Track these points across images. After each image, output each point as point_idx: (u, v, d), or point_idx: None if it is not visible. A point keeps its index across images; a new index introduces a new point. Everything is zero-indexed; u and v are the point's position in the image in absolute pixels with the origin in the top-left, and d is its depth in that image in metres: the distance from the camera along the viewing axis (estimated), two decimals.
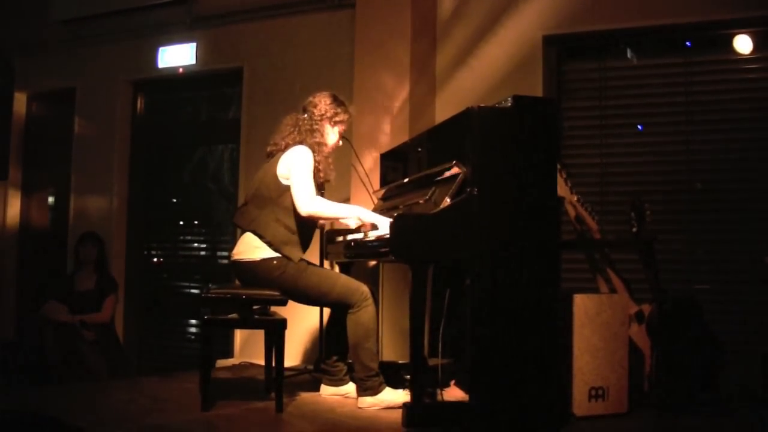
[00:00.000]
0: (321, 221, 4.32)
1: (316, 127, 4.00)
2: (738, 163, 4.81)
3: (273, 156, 4.00)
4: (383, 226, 3.63)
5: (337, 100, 4.10)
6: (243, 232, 3.94)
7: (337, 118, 4.08)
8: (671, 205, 4.89)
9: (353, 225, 3.99)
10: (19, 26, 7.20)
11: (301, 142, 3.93)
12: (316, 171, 3.89)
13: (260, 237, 3.81)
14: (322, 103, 4.06)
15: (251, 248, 3.82)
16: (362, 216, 3.83)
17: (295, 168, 3.81)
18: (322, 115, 4.04)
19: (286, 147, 3.94)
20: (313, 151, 3.91)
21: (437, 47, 5.46)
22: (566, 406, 3.60)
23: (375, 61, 5.27)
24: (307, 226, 3.92)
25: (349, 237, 4.08)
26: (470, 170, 3.34)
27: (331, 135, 4.09)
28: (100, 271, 6.13)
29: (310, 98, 4.12)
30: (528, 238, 3.38)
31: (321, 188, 4.75)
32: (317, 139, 3.97)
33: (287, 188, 3.84)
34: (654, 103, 5.02)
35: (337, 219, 4.08)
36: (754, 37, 4.76)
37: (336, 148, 4.18)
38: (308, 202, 3.76)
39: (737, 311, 4.67)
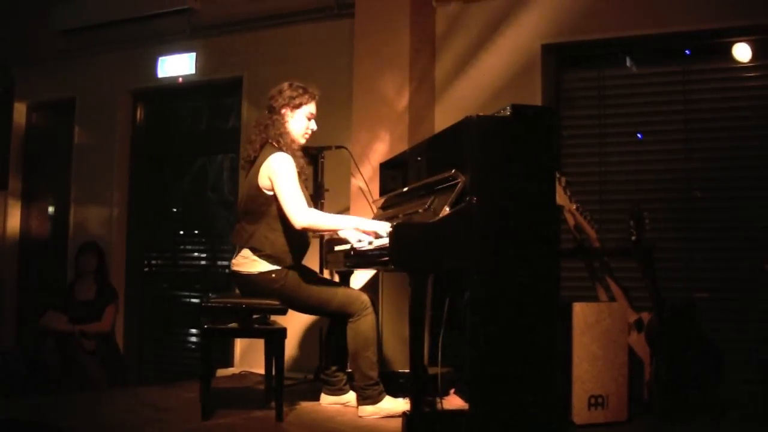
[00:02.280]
0: (320, 234, 4.28)
1: (276, 117, 3.91)
2: (737, 171, 4.81)
3: (248, 166, 3.94)
4: (382, 231, 3.61)
5: (293, 85, 3.99)
6: (242, 247, 3.90)
7: (296, 101, 3.94)
8: (670, 213, 4.89)
9: (354, 241, 3.80)
10: (19, 36, 7.22)
11: (265, 139, 3.87)
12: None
13: (258, 251, 3.78)
14: (277, 92, 3.97)
15: (249, 261, 3.80)
16: (360, 225, 3.74)
17: (278, 180, 3.72)
18: (281, 103, 3.93)
19: (254, 153, 3.88)
20: (278, 143, 3.84)
21: (436, 56, 5.48)
22: (566, 415, 3.60)
23: (374, 70, 5.28)
24: (300, 232, 3.82)
25: (349, 246, 4.08)
26: (469, 179, 3.34)
27: (295, 121, 3.97)
28: (100, 280, 6.13)
29: (268, 95, 4.03)
30: (527, 246, 3.38)
31: (321, 197, 4.78)
32: (279, 130, 3.88)
33: (273, 198, 3.77)
34: (653, 112, 5.02)
35: (333, 231, 4.00)
36: (752, 46, 4.77)
37: (310, 135, 4.06)
38: (302, 215, 3.69)
39: (737, 319, 4.67)
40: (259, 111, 5.94)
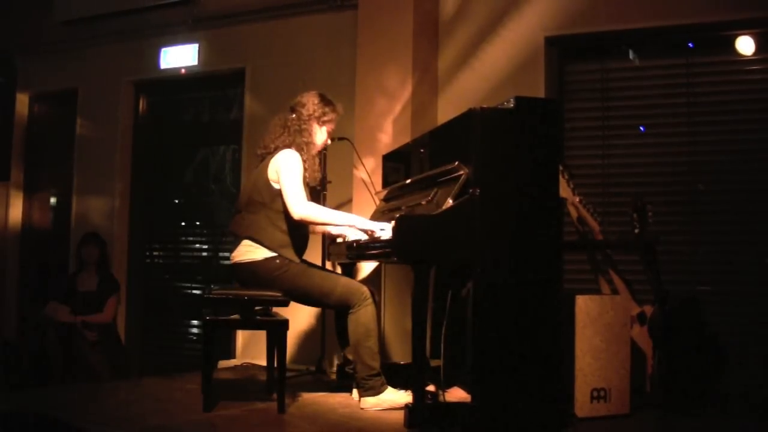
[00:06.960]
0: (318, 229, 4.31)
1: (304, 126, 4.02)
2: (740, 164, 4.80)
3: (263, 159, 4.00)
4: (379, 232, 3.61)
5: (324, 99, 4.11)
6: (239, 239, 3.93)
7: (325, 118, 4.09)
8: (673, 206, 4.88)
9: (351, 237, 3.88)
10: (21, 27, 7.22)
11: (290, 143, 3.95)
12: (303, 171, 3.89)
13: (258, 242, 3.82)
14: (310, 102, 4.07)
15: (252, 249, 3.83)
16: (357, 224, 3.80)
17: (283, 172, 3.82)
18: (311, 114, 4.05)
19: (276, 149, 3.95)
20: (302, 151, 3.93)
21: (439, 48, 5.46)
22: (568, 407, 3.59)
23: (377, 62, 5.26)
24: (301, 229, 3.92)
25: (351, 238, 4.08)
26: (472, 171, 3.34)
27: (319, 134, 4.12)
28: (102, 271, 6.13)
29: (298, 98, 4.12)
30: (530, 239, 3.38)
31: (323, 188, 4.78)
32: (306, 139, 4.00)
33: (279, 192, 3.85)
34: (656, 104, 5.01)
35: (330, 225, 4.04)
36: (756, 38, 4.75)
37: (324, 147, 4.24)
38: (300, 205, 3.77)
39: (739, 312, 4.66)
40: (262, 103, 6.02)
